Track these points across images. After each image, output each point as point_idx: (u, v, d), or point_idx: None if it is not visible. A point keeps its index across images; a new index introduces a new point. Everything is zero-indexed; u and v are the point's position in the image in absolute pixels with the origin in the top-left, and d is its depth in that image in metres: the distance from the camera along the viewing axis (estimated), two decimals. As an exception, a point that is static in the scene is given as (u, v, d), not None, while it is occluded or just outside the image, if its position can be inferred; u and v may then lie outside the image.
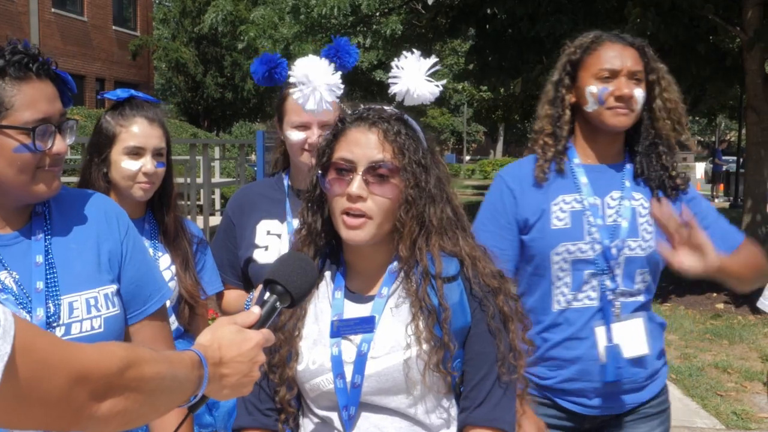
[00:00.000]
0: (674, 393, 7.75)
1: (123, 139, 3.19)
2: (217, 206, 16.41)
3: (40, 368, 1.27)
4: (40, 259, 2.12)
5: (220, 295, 3.53)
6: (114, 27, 32.13)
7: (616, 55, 2.93)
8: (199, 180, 13.74)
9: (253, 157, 21.78)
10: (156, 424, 2.28)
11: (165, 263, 3.28)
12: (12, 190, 2.08)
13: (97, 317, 2.15)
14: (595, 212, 2.93)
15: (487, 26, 14.70)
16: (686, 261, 2.61)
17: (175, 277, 3.29)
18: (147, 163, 3.18)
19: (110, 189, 3.23)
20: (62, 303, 2.11)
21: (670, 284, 12.74)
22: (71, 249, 2.18)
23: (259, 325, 1.86)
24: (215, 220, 14.01)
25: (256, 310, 1.88)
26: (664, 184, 3.00)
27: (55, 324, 2.08)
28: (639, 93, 2.91)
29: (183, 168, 14.50)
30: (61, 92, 2.16)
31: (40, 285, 2.09)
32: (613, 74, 2.91)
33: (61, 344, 1.37)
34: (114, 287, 2.23)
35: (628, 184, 2.99)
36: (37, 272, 2.11)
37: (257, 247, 3.31)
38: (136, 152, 3.18)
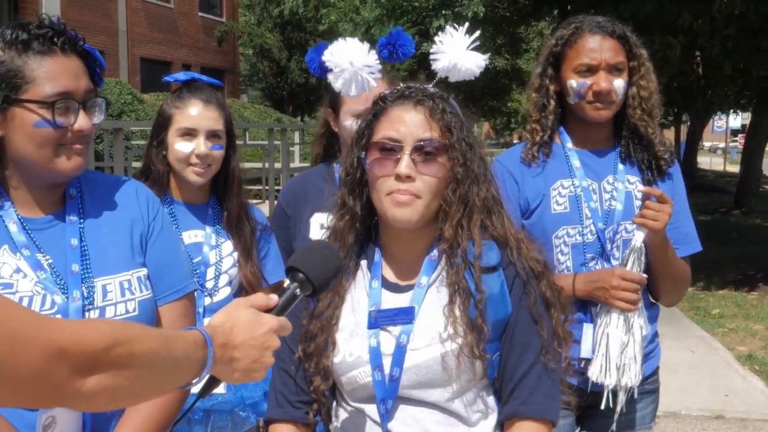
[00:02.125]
0: (757, 385, 7.54)
1: (177, 120, 3.19)
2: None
3: (11, 342, 1.23)
4: (75, 241, 2.12)
5: (279, 284, 3.45)
6: (200, 13, 32.59)
7: (594, 49, 2.97)
8: (278, 165, 13.80)
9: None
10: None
11: (227, 249, 3.26)
12: (34, 167, 2.07)
13: (131, 300, 2.14)
14: (590, 196, 3.00)
15: (569, 7, 14.40)
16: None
17: (237, 265, 3.26)
18: (200, 145, 3.15)
19: (169, 172, 3.24)
20: (96, 286, 2.10)
21: (758, 272, 12.38)
22: (104, 233, 2.18)
23: (277, 312, 1.82)
24: (294, 205, 14.09)
25: (275, 297, 1.84)
26: (651, 166, 3.06)
27: (89, 307, 2.07)
28: (619, 84, 2.97)
29: (261, 152, 14.61)
30: (91, 70, 2.14)
31: (76, 267, 2.09)
32: (591, 69, 2.97)
33: (37, 319, 1.33)
34: (146, 270, 2.22)
35: (621, 167, 3.07)
36: (72, 254, 2.10)
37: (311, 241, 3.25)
38: (188, 133, 3.17)
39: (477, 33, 2.29)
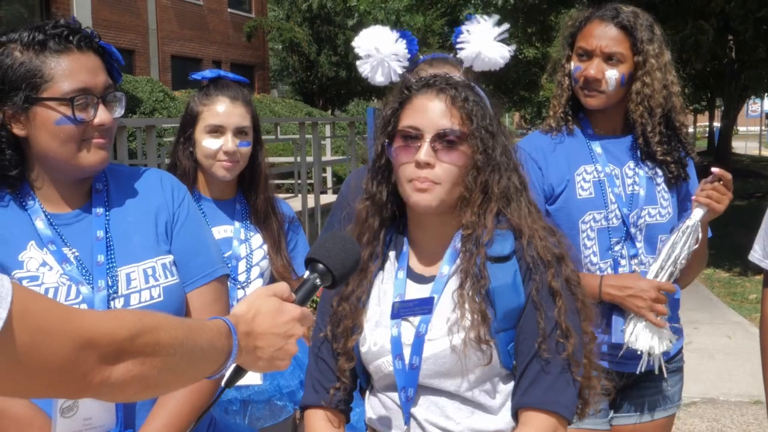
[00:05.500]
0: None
1: (204, 117, 3.24)
2: (329, 184, 16.52)
3: (38, 334, 1.25)
4: (101, 234, 2.18)
5: None
6: (229, 9, 32.62)
7: (594, 35, 3.00)
8: (310, 159, 13.82)
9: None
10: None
11: (257, 243, 3.32)
12: (58, 163, 2.12)
13: (155, 287, 2.18)
14: (613, 182, 3.03)
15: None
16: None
17: (267, 257, 3.32)
18: (228, 141, 3.21)
19: (197, 169, 3.29)
20: (119, 275, 2.15)
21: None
22: (129, 222, 2.23)
23: (298, 302, 1.83)
24: (326, 199, 14.12)
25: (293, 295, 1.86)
26: (664, 161, 3.06)
27: (114, 296, 2.13)
28: (611, 74, 2.97)
29: (293, 147, 14.61)
30: (110, 66, 2.20)
31: (101, 258, 2.15)
32: (587, 54, 3.01)
33: (63, 310, 1.35)
34: (171, 257, 2.27)
35: (639, 154, 3.08)
36: (98, 246, 2.16)
37: None
38: (216, 130, 3.22)
39: (506, 26, 2.28)
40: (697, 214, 2.91)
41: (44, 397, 1.94)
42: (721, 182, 2.89)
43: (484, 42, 2.27)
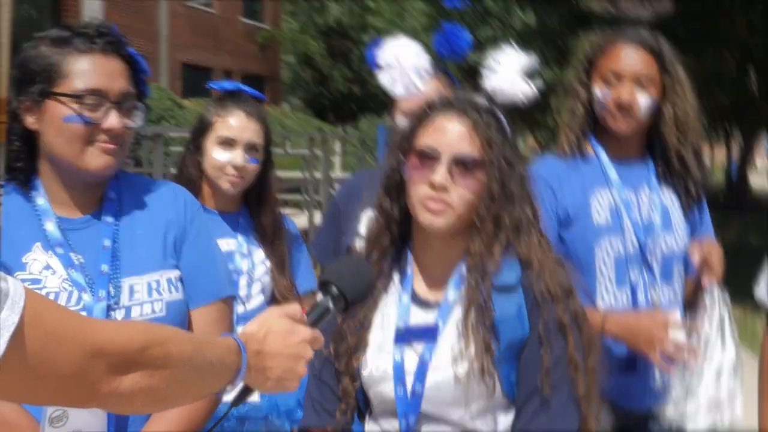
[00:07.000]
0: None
1: (217, 128, 3.24)
2: (338, 201, 16.39)
3: (49, 340, 1.28)
4: (108, 242, 2.18)
5: (309, 295, 3.49)
6: (242, 19, 32.64)
7: (623, 58, 2.91)
8: (319, 174, 13.68)
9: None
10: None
11: (259, 258, 3.32)
12: (63, 162, 2.13)
13: (158, 301, 2.19)
14: (630, 207, 2.95)
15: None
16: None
17: (269, 273, 3.32)
18: (237, 156, 3.20)
19: (202, 179, 3.29)
20: (123, 285, 2.15)
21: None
22: (137, 234, 2.23)
23: (309, 324, 1.80)
24: (334, 216, 13.96)
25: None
26: (685, 187, 3.02)
27: (115, 307, 2.13)
28: (643, 99, 2.88)
29: (301, 162, 14.51)
30: (136, 75, 2.22)
31: (105, 267, 2.15)
32: (617, 78, 2.90)
33: (74, 317, 1.40)
34: (178, 272, 2.26)
35: (655, 180, 3.01)
36: (103, 255, 2.16)
37: (360, 236, 3.24)
38: (228, 143, 3.22)
39: (535, 60, 2.28)
40: (713, 290, 2.84)
41: (52, 404, 1.93)
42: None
43: (510, 77, 2.24)
